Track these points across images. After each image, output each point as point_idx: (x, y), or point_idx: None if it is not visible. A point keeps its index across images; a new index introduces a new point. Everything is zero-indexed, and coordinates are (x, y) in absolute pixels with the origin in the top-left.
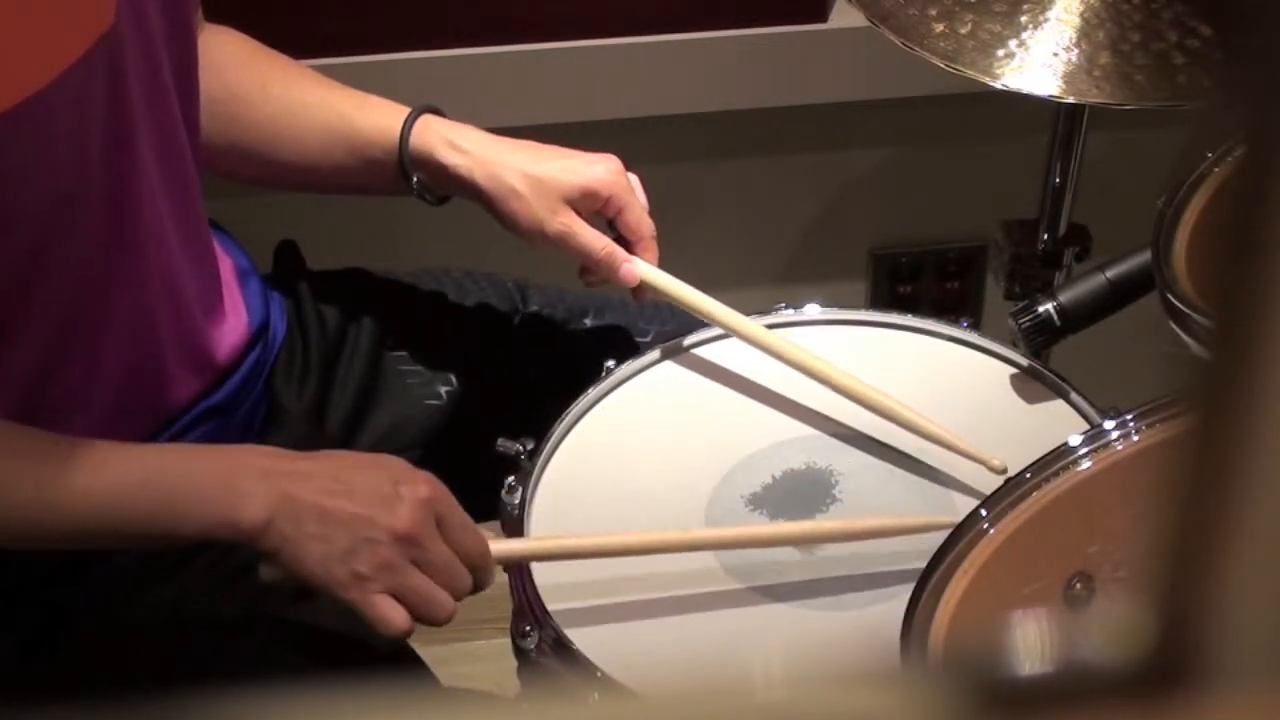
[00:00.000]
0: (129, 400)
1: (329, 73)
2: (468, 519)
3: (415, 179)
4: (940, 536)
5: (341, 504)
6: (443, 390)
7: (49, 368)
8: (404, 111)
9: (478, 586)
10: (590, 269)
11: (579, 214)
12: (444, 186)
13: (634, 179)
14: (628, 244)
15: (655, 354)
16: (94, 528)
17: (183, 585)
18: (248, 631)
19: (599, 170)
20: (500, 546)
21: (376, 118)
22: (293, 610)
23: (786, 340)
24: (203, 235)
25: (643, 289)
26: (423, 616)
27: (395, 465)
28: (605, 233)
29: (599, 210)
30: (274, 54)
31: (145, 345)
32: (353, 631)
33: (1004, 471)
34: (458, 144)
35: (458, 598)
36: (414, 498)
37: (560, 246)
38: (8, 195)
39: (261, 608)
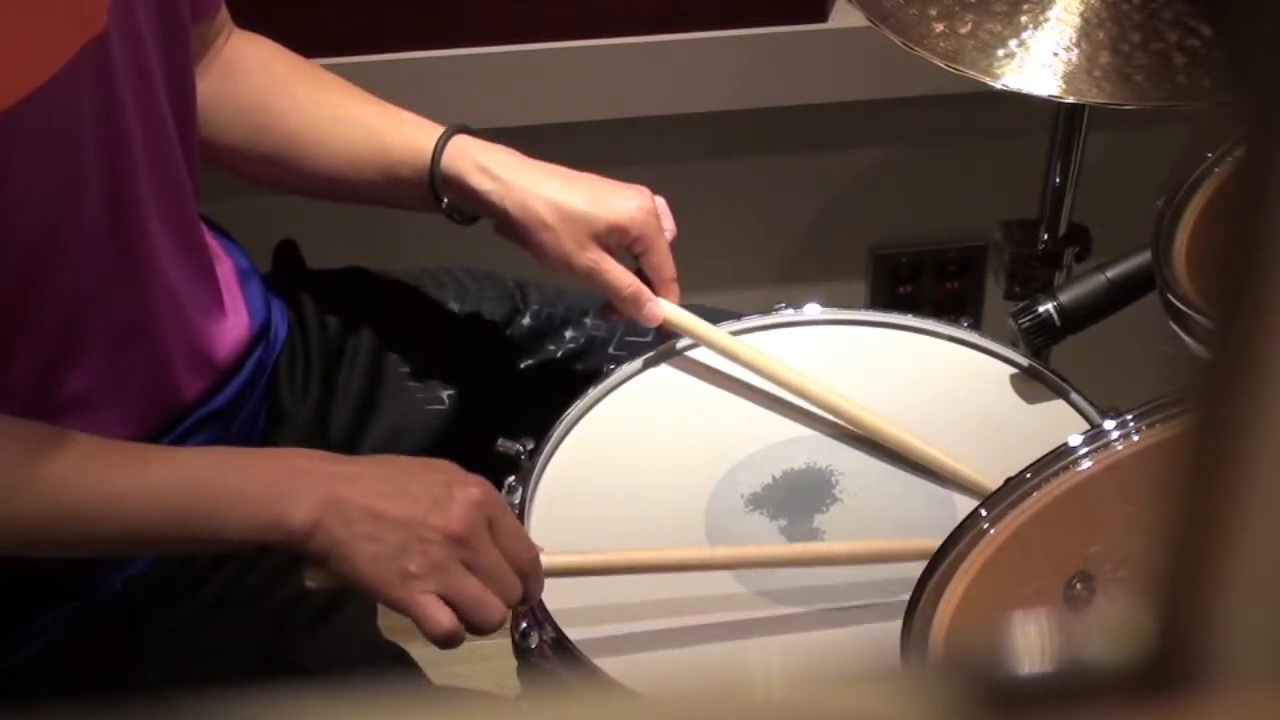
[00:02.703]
0: (132, 401)
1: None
2: (518, 525)
3: (445, 200)
4: (940, 538)
5: (392, 504)
6: (444, 395)
7: (51, 368)
8: (436, 131)
9: (526, 596)
10: (615, 305)
11: (606, 248)
12: (473, 210)
13: (661, 203)
14: (650, 282)
15: (655, 354)
16: (137, 531)
17: (193, 610)
18: (259, 663)
19: (629, 207)
20: (548, 559)
21: (408, 137)
22: (307, 642)
23: (814, 380)
24: (195, 234)
25: (666, 327)
26: (472, 620)
27: (446, 468)
28: (630, 267)
29: (625, 247)
30: (304, 63)
31: (147, 346)
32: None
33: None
34: (489, 169)
35: (508, 605)
36: (466, 499)
37: (586, 282)
38: (5, 198)
39: (275, 638)
